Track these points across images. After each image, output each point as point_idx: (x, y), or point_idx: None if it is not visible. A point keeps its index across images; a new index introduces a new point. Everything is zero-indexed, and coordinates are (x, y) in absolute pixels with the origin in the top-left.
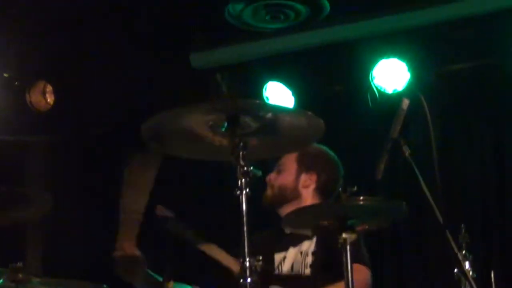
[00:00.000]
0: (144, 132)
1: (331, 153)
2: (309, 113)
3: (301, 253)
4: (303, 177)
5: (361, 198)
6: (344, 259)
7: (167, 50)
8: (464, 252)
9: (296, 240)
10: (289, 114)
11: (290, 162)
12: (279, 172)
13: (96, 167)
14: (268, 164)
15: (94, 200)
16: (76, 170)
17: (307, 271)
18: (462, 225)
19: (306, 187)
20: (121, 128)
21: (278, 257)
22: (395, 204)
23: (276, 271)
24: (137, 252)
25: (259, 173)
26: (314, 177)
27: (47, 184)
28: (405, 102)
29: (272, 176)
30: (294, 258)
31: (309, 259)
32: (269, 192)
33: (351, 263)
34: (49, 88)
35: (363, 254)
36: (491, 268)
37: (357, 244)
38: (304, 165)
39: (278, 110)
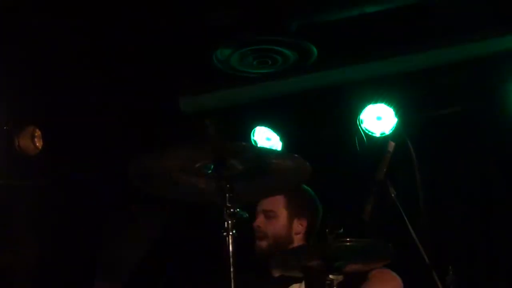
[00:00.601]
0: (131, 172)
1: (314, 194)
2: (296, 155)
3: None
4: (295, 223)
5: (348, 239)
6: None
7: (156, 95)
8: None
9: (284, 284)
10: (276, 156)
11: (280, 207)
12: (269, 218)
13: (84, 212)
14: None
15: (81, 244)
16: (64, 215)
17: None
18: (450, 267)
19: (298, 233)
20: (109, 172)
21: None
22: (382, 245)
23: None
24: None
25: (245, 214)
26: (304, 223)
27: (34, 228)
28: (391, 145)
29: (261, 223)
30: None
31: None
32: (263, 243)
33: None
34: (38, 132)
35: None
36: None
37: None
38: (295, 211)
39: (264, 153)
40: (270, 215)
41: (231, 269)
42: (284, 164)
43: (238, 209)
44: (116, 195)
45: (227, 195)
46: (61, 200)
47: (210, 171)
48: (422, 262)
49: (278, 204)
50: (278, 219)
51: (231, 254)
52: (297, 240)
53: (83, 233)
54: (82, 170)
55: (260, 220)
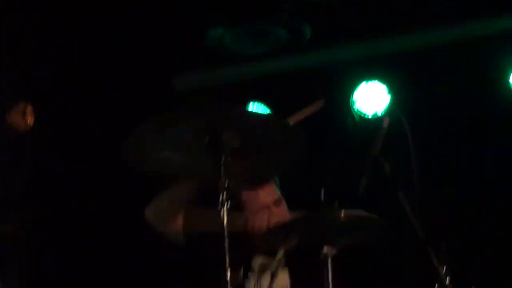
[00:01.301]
0: (125, 150)
1: None
2: (289, 122)
3: None
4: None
5: (342, 212)
6: (325, 274)
7: (150, 73)
8: (444, 269)
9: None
10: (272, 123)
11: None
12: (279, 205)
13: (76, 187)
14: None
15: (75, 217)
16: (56, 187)
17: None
18: (443, 242)
19: None
20: (102, 151)
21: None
22: (376, 220)
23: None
24: None
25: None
26: None
27: (26, 202)
28: (386, 120)
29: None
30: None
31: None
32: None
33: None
34: (29, 109)
35: None
36: (472, 285)
37: None
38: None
39: (258, 118)
40: (278, 203)
41: (226, 242)
42: (279, 135)
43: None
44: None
45: (222, 167)
46: (53, 176)
47: (205, 143)
48: (416, 237)
49: (275, 188)
50: (283, 202)
51: (225, 226)
52: None
53: (75, 204)
54: (72, 148)
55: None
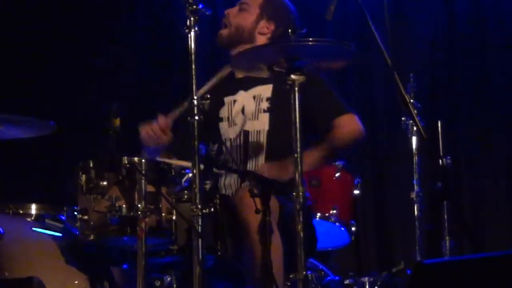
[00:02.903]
0: None
1: (294, 9)
2: None
3: (254, 97)
4: (262, 23)
5: (310, 39)
6: (292, 101)
7: None
8: (412, 101)
9: (247, 84)
10: None
11: (254, 4)
12: (240, 10)
13: None
14: None
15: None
16: None
17: (261, 116)
18: (411, 74)
19: (262, 34)
20: None
21: (227, 100)
22: (345, 45)
23: (226, 114)
24: None
25: (208, 11)
26: (272, 27)
27: None
28: None
29: (231, 12)
30: (246, 101)
31: (264, 105)
32: (225, 31)
33: (335, 116)
34: None
35: (343, 103)
36: (438, 118)
37: (332, 96)
38: (266, 13)
39: None
40: (242, 7)
41: (193, 66)
42: None
43: (201, 6)
44: None
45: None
46: None
47: None
48: (385, 65)
49: (254, 1)
50: (248, 13)
51: (193, 51)
52: (260, 41)
53: None
54: None
55: (231, 10)
